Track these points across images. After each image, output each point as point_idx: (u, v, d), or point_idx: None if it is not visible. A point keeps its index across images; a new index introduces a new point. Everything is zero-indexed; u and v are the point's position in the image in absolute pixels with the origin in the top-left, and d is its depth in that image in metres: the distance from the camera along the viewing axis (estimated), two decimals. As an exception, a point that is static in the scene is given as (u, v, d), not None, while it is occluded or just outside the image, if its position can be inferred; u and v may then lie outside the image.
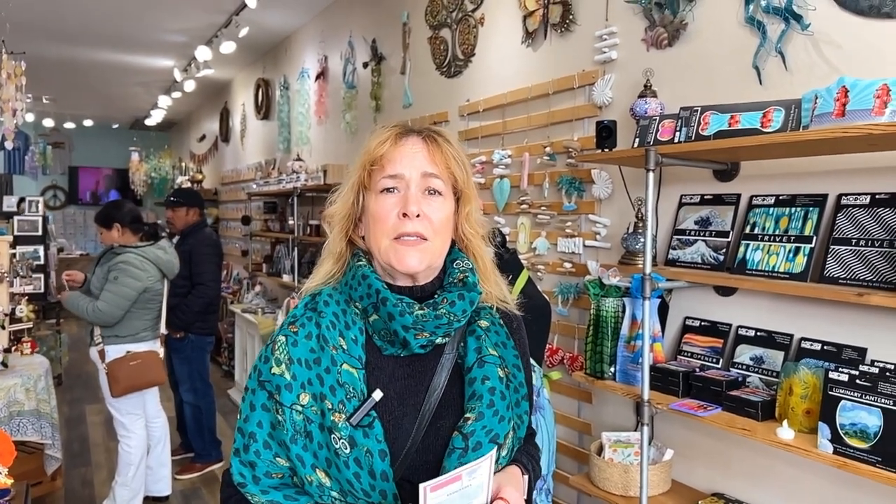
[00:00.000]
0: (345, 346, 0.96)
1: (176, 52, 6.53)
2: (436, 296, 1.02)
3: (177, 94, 7.68)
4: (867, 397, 1.51)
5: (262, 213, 6.34)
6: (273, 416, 0.94)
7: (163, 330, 3.54)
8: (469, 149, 3.42)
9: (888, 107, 1.47)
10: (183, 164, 10.70)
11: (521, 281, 2.41)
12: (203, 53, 5.47)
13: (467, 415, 0.96)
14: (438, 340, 1.00)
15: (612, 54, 2.51)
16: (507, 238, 3.09)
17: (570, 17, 2.71)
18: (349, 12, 4.76)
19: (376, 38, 4.33)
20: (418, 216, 0.99)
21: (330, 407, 0.92)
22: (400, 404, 0.97)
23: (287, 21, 5.53)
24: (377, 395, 0.94)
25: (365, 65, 4.43)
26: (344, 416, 0.92)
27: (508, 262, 2.48)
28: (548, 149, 2.82)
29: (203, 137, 9.54)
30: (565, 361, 2.73)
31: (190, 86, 6.69)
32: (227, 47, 5.27)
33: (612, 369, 2.26)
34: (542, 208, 2.88)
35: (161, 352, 3.48)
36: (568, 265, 2.76)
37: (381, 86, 4.31)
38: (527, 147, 2.98)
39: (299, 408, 0.93)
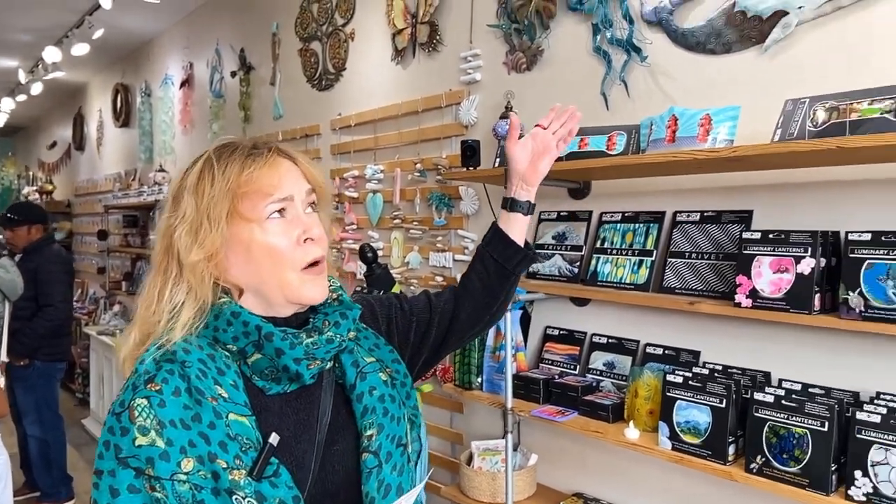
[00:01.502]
0: (226, 395, 0.85)
1: (21, 51, 5.95)
2: (311, 319, 0.96)
3: (21, 97, 7.00)
4: (698, 397, 1.67)
5: (122, 227, 5.92)
6: (147, 496, 0.79)
7: (3, 357, 3.20)
8: (341, 163, 3.41)
9: (710, 134, 1.65)
10: (30, 174, 9.75)
11: (391, 296, 2.43)
12: (52, 54, 5.05)
13: (368, 432, 0.93)
14: (327, 366, 0.95)
15: (477, 76, 2.61)
16: (380, 252, 3.10)
17: (438, 37, 2.79)
18: (216, 19, 4.59)
19: (245, 47, 4.20)
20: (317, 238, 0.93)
21: (224, 466, 0.81)
22: (297, 442, 0.90)
23: (148, 25, 5.22)
24: (274, 439, 0.85)
25: (233, 74, 4.28)
26: (244, 472, 0.81)
27: (380, 278, 2.49)
28: (418, 165, 2.87)
29: (54, 144, 8.75)
30: (438, 373, 2.77)
31: (37, 88, 6.13)
32: (80, 49, 4.90)
33: (480, 379, 2.33)
34: (415, 223, 2.92)
35: (1, 381, 3.14)
36: (440, 279, 2.82)
37: (250, 96, 4.19)
38: (398, 163, 3.01)
39: (182, 477, 0.79)
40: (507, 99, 2.41)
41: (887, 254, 1.40)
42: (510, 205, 1.18)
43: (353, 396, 0.96)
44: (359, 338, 1.01)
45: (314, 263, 0.92)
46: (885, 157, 1.45)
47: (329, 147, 3.48)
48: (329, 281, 0.98)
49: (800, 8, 1.68)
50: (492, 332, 2.29)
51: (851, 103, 1.41)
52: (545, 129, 1.19)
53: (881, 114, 1.35)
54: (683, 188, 1.98)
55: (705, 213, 1.91)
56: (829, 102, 1.45)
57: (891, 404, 1.46)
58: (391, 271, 2.93)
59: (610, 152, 1.94)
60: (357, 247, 2.77)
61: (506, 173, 1.23)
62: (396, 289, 2.43)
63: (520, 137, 1.18)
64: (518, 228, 1.18)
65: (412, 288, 2.96)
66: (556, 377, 2.20)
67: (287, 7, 3.75)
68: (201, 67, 4.78)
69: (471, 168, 2.29)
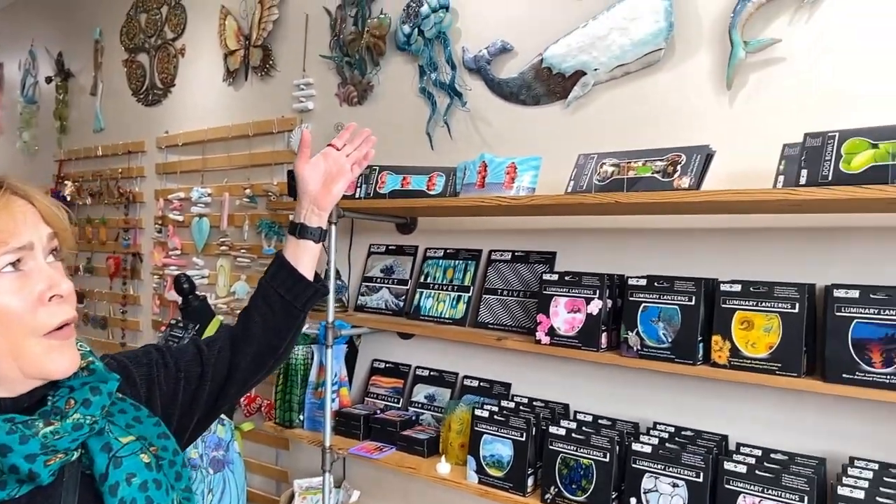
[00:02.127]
0: None
1: None
2: (50, 398, 0.77)
3: None
4: (502, 431, 1.75)
5: None
6: None
7: None
8: (167, 183, 3.20)
9: (515, 182, 1.75)
10: None
11: (211, 328, 2.31)
12: None
13: None
14: (72, 457, 0.77)
15: (309, 104, 2.58)
16: (205, 280, 2.94)
17: (271, 62, 2.73)
18: (31, 18, 4.15)
19: (63, 51, 3.84)
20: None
21: None
22: None
23: (-52, 14, 4.61)
24: None
25: (49, 79, 3.89)
26: None
27: (197, 310, 2.36)
28: (248, 190, 2.77)
29: None
30: (263, 409, 2.67)
31: None
32: None
33: (302, 417, 2.27)
34: (243, 251, 2.81)
35: None
36: (267, 310, 2.72)
37: (67, 105, 3.82)
38: (227, 187, 2.89)
39: None
40: (336, 130, 2.40)
41: (659, 298, 1.56)
42: (299, 231, 1.09)
43: (105, 489, 0.77)
44: (112, 412, 0.83)
45: (62, 326, 0.76)
46: (656, 209, 1.62)
47: (154, 166, 3.26)
48: (78, 346, 0.81)
49: (595, 70, 1.84)
50: (315, 367, 2.25)
51: (630, 162, 1.56)
52: (339, 149, 1.13)
53: (652, 173, 1.51)
54: (498, 228, 2.08)
55: (516, 253, 2.02)
56: (613, 160, 1.60)
57: (662, 434, 1.62)
58: (215, 301, 2.79)
59: (430, 192, 1.99)
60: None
61: (294, 194, 1.13)
62: (216, 323, 2.31)
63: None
64: (308, 259, 1.08)
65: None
66: (379, 412, 2.20)
67: (112, 13, 3.48)
68: (12, 68, 4.29)
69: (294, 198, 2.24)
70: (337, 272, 2.18)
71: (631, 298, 1.60)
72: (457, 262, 2.15)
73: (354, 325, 2.22)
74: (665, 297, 1.55)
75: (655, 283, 1.57)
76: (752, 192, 1.32)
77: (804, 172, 1.32)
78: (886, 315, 1.28)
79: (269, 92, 2.75)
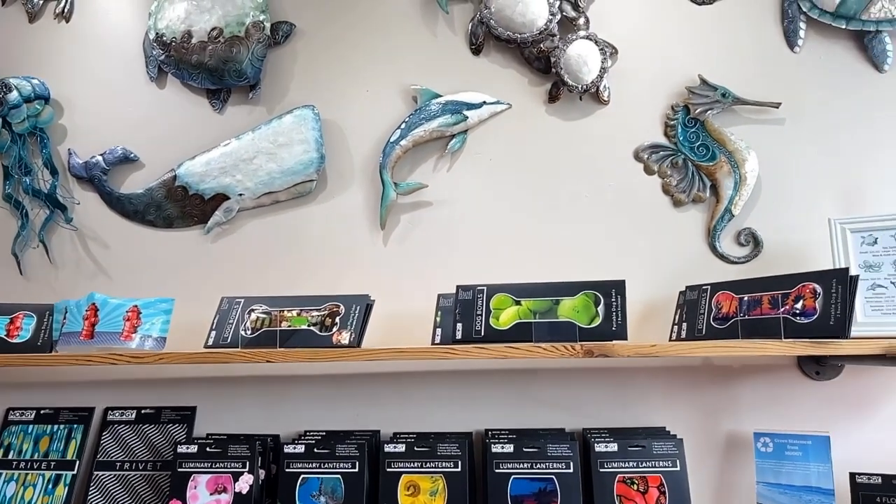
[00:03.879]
0: None
1: None
2: None
3: None
4: None
5: None
6: None
7: None
8: None
9: (138, 331, 1.38)
10: None
11: None
12: None
13: None
14: None
15: None
16: None
17: None
18: None
19: None
20: None
21: None
22: None
23: None
24: None
25: None
26: None
27: None
28: None
29: None
30: None
31: None
32: None
33: None
34: None
35: None
36: None
37: None
38: None
39: None
40: None
41: (319, 466, 1.35)
42: None
43: None
44: None
45: None
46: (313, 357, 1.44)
47: None
48: None
49: (240, 195, 1.62)
50: None
51: (283, 311, 1.35)
52: None
53: (309, 325, 1.32)
54: (118, 379, 1.64)
55: (142, 411, 1.60)
56: (264, 306, 1.38)
57: None
58: None
59: (12, 339, 1.46)
60: None
61: None
62: None
63: None
64: None
65: None
66: None
67: None
68: None
69: None
70: None
71: (287, 469, 1.36)
72: (56, 426, 1.61)
73: None
74: (326, 465, 1.35)
75: (315, 450, 1.36)
76: (413, 351, 1.24)
77: (459, 326, 1.30)
78: (538, 469, 1.30)
79: None
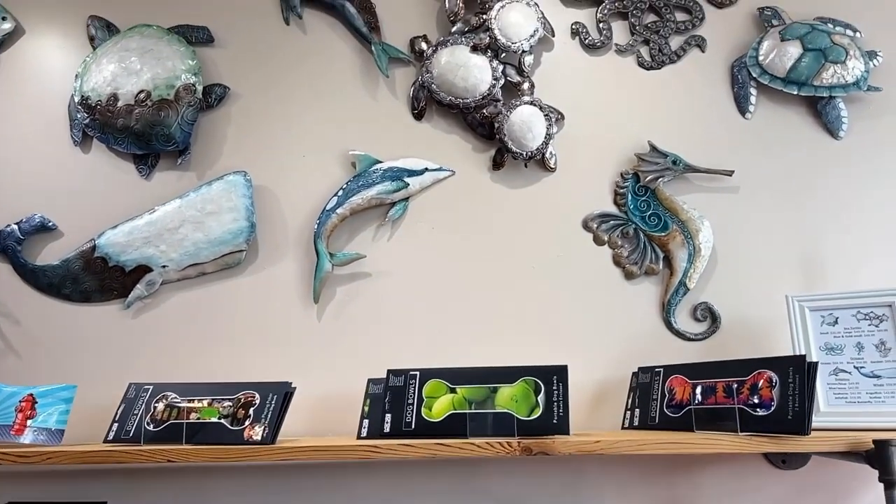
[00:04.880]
0: None
1: None
2: None
3: None
4: None
5: None
6: None
7: None
8: None
9: (31, 424, 1.24)
10: None
11: None
12: None
13: None
14: None
15: None
16: None
17: None
18: None
19: None
20: None
21: None
22: None
23: None
24: None
25: None
26: None
27: None
28: None
29: None
30: None
31: None
32: None
33: None
34: None
35: None
36: None
37: None
38: None
39: None
40: None
41: (231, 578, 1.20)
42: None
43: None
44: None
45: None
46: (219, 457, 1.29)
47: None
48: None
49: (164, 267, 1.51)
50: None
51: (193, 400, 1.22)
52: None
53: (220, 418, 1.19)
54: (20, 471, 1.47)
55: (46, 508, 1.44)
56: (173, 395, 1.24)
57: None
58: None
59: None
60: None
61: None
62: None
63: None
64: None
65: None
66: None
67: None
68: None
69: None
70: None
71: (195, 582, 1.20)
72: (-53, 526, 1.44)
73: None
74: (239, 576, 1.20)
75: (227, 557, 1.21)
76: (332, 450, 1.11)
77: (388, 418, 1.18)
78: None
79: None
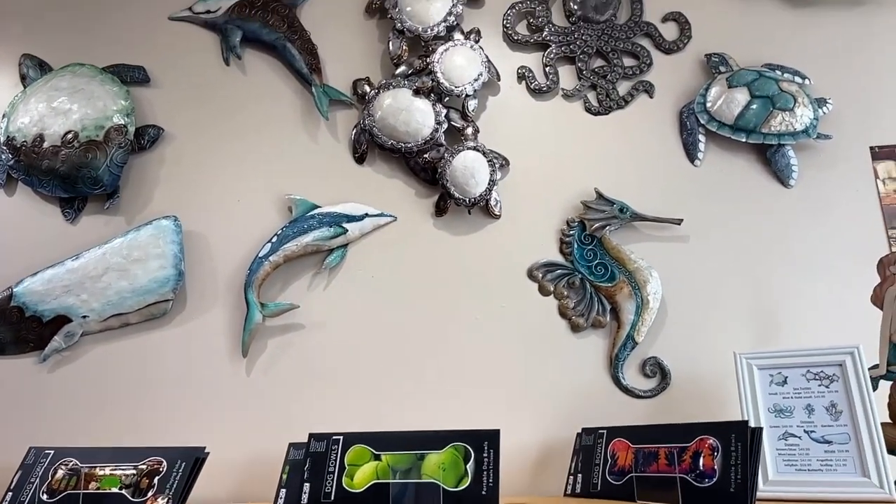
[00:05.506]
0: None
1: None
2: None
3: None
4: None
5: None
6: None
7: None
8: None
9: (-85, 494, 1.12)
10: None
11: None
12: None
13: None
14: None
15: None
16: None
17: None
18: None
19: None
20: None
21: None
22: None
23: None
24: None
25: None
26: None
27: None
28: None
29: None
30: None
31: None
32: None
33: None
34: None
35: None
36: None
37: None
38: None
39: None
40: None
41: None
42: None
43: None
44: None
45: None
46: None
47: None
48: None
49: (85, 317, 1.42)
50: None
51: (95, 467, 1.12)
52: None
53: (121, 487, 1.09)
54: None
55: (-60, 583, 1.31)
56: (74, 461, 1.14)
57: None
58: None
59: None
60: None
61: None
62: None
63: None
64: None
65: None
66: None
67: None
68: None
69: None
70: None
71: None
72: None
73: None
74: None
75: None
76: (240, 526, 1.01)
77: (307, 487, 1.08)
78: None
79: None
